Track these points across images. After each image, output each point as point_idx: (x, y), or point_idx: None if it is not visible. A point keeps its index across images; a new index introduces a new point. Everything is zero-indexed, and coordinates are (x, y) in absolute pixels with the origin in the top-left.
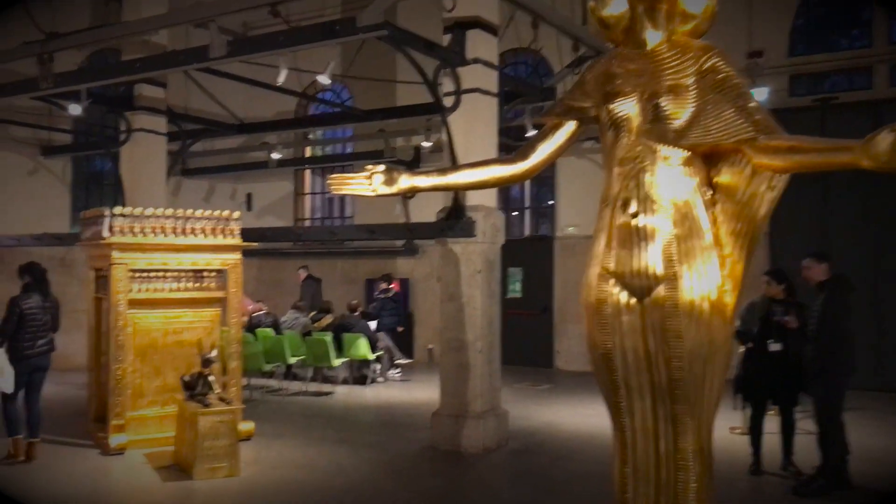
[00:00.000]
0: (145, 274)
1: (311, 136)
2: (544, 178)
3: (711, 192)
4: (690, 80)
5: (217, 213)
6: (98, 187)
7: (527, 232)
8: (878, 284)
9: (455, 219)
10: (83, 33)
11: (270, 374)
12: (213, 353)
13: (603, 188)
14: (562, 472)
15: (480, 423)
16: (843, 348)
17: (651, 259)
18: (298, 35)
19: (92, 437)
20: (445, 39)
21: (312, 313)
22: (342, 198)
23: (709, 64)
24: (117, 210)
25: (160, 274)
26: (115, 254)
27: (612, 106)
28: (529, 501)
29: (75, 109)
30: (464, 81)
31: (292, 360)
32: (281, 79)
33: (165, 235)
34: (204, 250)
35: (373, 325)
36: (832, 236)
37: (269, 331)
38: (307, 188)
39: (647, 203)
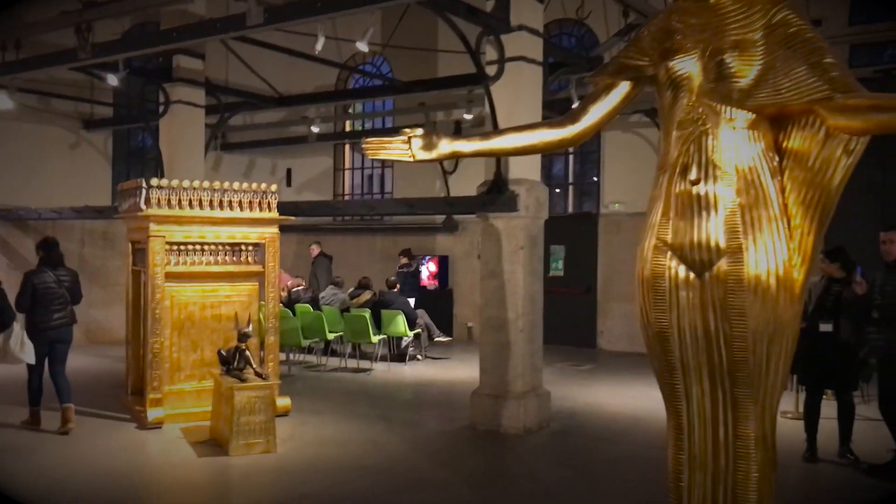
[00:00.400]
0: (182, 247)
1: (350, 111)
2: (588, 153)
3: (779, 157)
4: (758, 35)
5: (254, 185)
6: (139, 162)
7: (569, 209)
8: None
9: (497, 192)
10: (121, 2)
11: (309, 350)
12: (249, 328)
13: (660, 153)
14: (605, 456)
15: (521, 404)
16: None
17: (713, 230)
18: (337, 1)
19: (130, 410)
20: (489, 6)
21: (350, 289)
22: (382, 174)
23: (779, 17)
24: (154, 182)
25: (197, 247)
26: (153, 226)
27: (671, 64)
28: (572, 485)
29: (112, 80)
30: (507, 49)
31: (331, 336)
32: (318, 46)
33: (202, 208)
34: (241, 223)
35: (412, 301)
36: (889, 210)
37: (308, 306)
38: (347, 163)
39: (708, 169)
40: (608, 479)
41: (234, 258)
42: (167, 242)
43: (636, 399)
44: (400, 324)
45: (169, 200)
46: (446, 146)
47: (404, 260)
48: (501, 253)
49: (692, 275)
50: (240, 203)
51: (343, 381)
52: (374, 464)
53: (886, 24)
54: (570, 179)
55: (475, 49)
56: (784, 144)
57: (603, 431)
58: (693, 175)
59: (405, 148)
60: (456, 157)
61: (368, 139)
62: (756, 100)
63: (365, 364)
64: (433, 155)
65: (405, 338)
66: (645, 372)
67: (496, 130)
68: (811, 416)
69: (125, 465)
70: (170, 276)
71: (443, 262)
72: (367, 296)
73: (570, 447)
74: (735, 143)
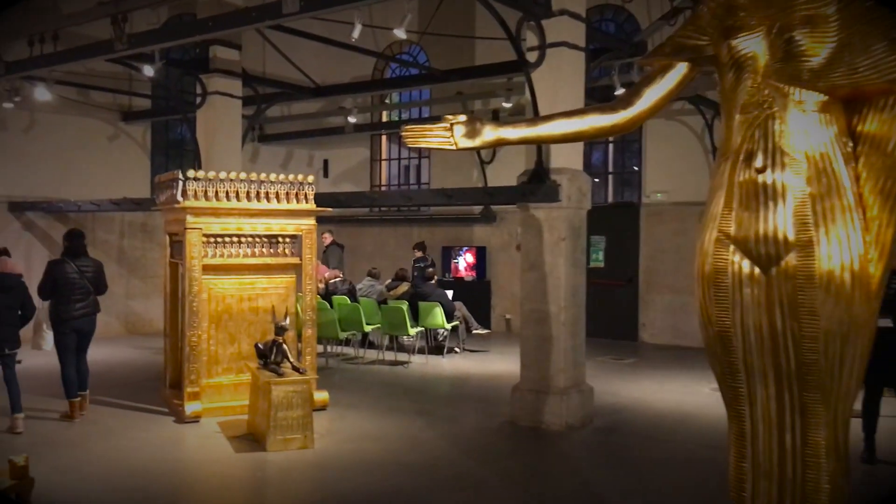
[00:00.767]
0: (219, 239)
1: (387, 101)
2: (629, 143)
3: (853, 143)
4: (831, 10)
5: (291, 177)
6: (178, 154)
7: (609, 199)
8: None
9: (538, 182)
10: None
11: (347, 342)
12: (286, 321)
13: (721, 139)
14: (653, 455)
15: (563, 400)
16: None
17: (780, 222)
18: None
19: (168, 404)
20: None
21: (388, 281)
22: (419, 164)
23: None
24: (191, 174)
25: (234, 239)
26: (190, 218)
27: (734, 42)
28: (619, 486)
29: (149, 71)
30: (548, 35)
31: (368, 329)
32: (355, 34)
33: (239, 200)
34: (278, 215)
35: (449, 293)
36: None
37: (345, 298)
38: (383, 154)
39: (775, 156)
40: (658, 481)
41: (271, 250)
42: (204, 234)
43: (683, 394)
44: (438, 316)
45: (206, 192)
46: (491, 133)
47: (419, 253)
48: (542, 245)
49: (757, 270)
50: (276, 195)
51: (381, 374)
52: (413, 461)
53: None
54: (610, 168)
55: (515, 35)
56: (859, 129)
57: (650, 429)
58: (759, 162)
59: (447, 135)
60: (500, 145)
61: (408, 126)
62: (829, 80)
63: (403, 357)
64: (476, 142)
65: (442, 329)
66: (690, 366)
67: (543, 116)
68: (870, 415)
69: (163, 460)
70: (207, 269)
71: (480, 253)
72: (404, 287)
73: (615, 445)
74: (805, 128)
